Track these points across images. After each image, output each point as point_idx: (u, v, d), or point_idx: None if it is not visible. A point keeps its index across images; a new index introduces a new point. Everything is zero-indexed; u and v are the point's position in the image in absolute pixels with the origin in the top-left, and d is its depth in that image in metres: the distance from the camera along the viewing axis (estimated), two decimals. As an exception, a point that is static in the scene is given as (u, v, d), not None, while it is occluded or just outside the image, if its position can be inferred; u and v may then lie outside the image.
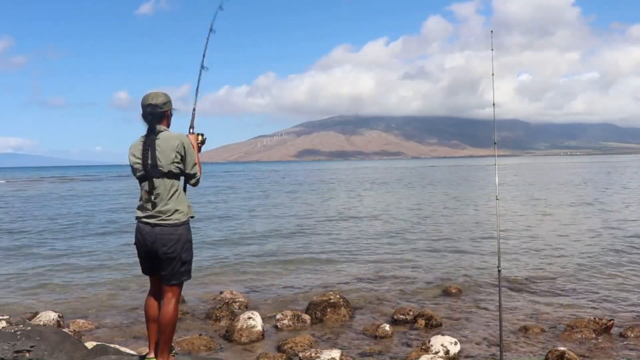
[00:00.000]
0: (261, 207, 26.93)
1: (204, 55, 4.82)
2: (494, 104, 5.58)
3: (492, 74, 5.64)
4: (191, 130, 4.33)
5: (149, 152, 3.92)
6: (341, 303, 7.84)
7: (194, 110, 4.57)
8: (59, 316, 7.33)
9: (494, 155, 5.89)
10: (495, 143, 5.63)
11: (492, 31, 5.78)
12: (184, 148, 3.96)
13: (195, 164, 4.03)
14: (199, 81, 4.74)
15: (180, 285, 4.08)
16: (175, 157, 3.93)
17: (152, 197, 3.93)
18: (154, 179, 3.92)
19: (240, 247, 14.36)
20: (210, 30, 4.98)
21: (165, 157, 3.91)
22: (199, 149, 4.26)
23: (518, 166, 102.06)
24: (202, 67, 4.76)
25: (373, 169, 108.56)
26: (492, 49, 5.66)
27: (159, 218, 3.93)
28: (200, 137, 4.29)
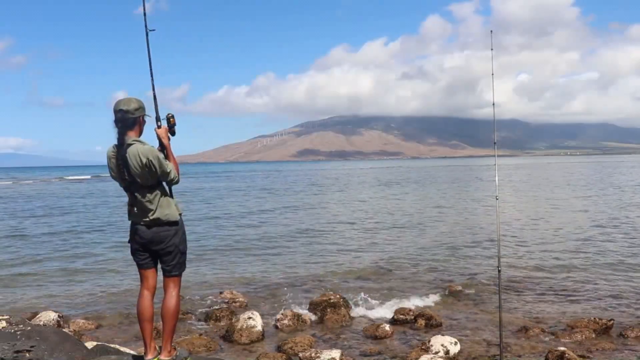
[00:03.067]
0: (260, 208, 26.91)
1: (144, 14, 4.19)
2: (493, 104, 5.58)
3: (492, 74, 5.63)
4: (158, 124, 4.06)
5: (124, 169, 3.89)
6: (341, 303, 7.84)
7: (154, 96, 4.09)
8: (59, 316, 7.33)
9: (494, 155, 5.89)
10: (495, 143, 5.63)
11: (491, 31, 5.78)
12: (152, 163, 3.85)
13: (168, 172, 3.93)
14: (149, 51, 4.15)
15: (180, 276, 4.18)
16: (148, 173, 3.89)
17: (136, 210, 4.00)
18: (135, 193, 3.95)
19: (241, 246, 14.34)
20: None
21: (138, 174, 3.88)
22: (173, 133, 4.07)
23: (518, 166, 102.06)
24: (147, 29, 4.12)
25: (374, 170, 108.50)
26: (491, 49, 5.65)
27: (152, 220, 3.98)
28: (171, 121, 4.02)
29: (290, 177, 72.21)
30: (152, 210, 3.96)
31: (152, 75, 4.16)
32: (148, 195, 3.95)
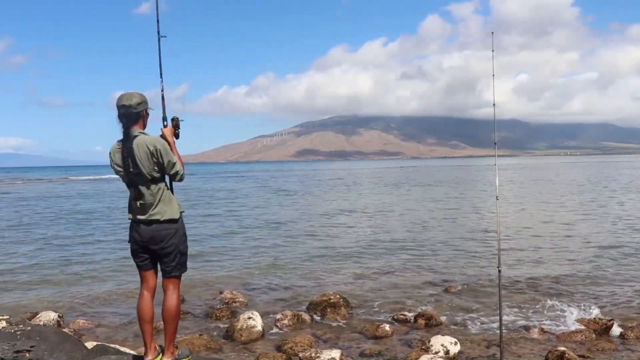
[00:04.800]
0: (255, 206, 26.92)
1: (157, 21, 4.33)
2: (494, 104, 5.58)
3: (493, 75, 5.63)
4: (164, 123, 4.16)
5: (129, 160, 3.89)
6: (341, 303, 7.84)
7: (162, 97, 4.22)
8: (59, 316, 7.33)
9: (494, 155, 5.90)
10: (495, 143, 5.63)
11: (492, 32, 5.78)
12: (160, 153, 3.90)
13: (174, 164, 3.95)
14: (160, 55, 4.31)
15: (179, 277, 4.16)
16: (155, 163, 3.91)
17: (139, 204, 3.97)
18: (139, 187, 3.94)
19: (241, 246, 14.35)
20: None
21: (145, 165, 3.89)
22: (177, 135, 4.14)
23: (518, 166, 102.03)
24: (159, 35, 4.30)
25: (377, 170, 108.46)
26: (492, 50, 5.65)
27: (153, 218, 3.98)
28: (174, 122, 4.12)
29: (296, 177, 72.20)
30: (154, 204, 3.95)
31: (161, 77, 4.28)
32: (152, 187, 3.95)
